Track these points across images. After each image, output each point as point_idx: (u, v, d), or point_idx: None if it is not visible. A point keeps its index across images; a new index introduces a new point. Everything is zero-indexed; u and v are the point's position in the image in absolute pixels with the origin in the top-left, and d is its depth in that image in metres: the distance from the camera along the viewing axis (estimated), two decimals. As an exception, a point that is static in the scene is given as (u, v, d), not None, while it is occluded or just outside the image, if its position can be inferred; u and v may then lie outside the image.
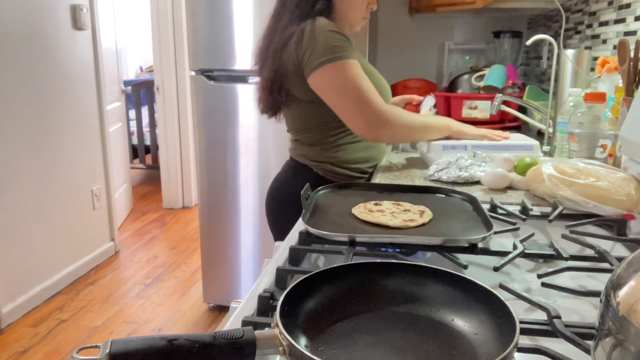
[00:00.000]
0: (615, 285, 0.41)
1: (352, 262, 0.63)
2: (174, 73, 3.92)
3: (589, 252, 0.78)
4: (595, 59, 1.55)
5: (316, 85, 1.24)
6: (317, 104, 1.29)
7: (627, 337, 0.38)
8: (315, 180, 1.30)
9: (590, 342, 0.48)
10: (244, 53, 2.27)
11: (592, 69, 1.55)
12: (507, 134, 1.43)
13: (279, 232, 1.10)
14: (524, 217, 0.93)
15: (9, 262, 2.43)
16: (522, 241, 0.79)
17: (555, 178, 1.01)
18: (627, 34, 1.44)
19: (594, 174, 0.99)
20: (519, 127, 2.09)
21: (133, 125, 4.90)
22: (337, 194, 1.02)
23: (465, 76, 2.35)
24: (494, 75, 2.18)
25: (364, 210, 0.88)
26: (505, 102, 1.82)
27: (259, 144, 2.38)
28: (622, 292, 0.40)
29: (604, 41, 1.62)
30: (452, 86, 2.40)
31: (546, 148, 1.59)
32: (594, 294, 0.65)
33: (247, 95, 2.33)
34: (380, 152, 1.46)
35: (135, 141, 4.95)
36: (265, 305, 0.60)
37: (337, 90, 1.23)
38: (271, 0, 1.34)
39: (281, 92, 1.30)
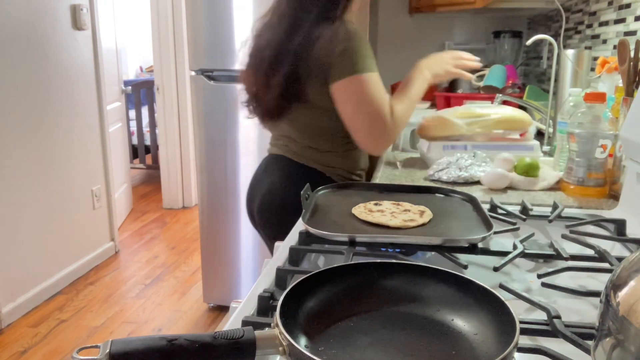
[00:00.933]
0: (615, 285, 0.41)
1: (352, 262, 0.63)
2: (174, 73, 3.92)
3: (589, 252, 0.78)
4: (595, 59, 1.55)
5: (337, 94, 1.20)
6: (329, 111, 1.23)
7: (627, 337, 0.38)
8: (326, 183, 1.27)
9: (590, 342, 0.48)
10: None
11: (592, 69, 1.55)
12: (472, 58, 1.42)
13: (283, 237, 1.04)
14: (524, 217, 0.93)
15: (8, 262, 2.43)
16: (522, 241, 0.79)
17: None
18: (627, 34, 1.44)
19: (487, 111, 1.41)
20: (519, 127, 2.09)
21: (133, 125, 4.90)
22: (337, 194, 1.02)
23: (465, 76, 2.34)
24: (494, 75, 2.18)
25: (364, 210, 0.88)
26: (505, 102, 1.82)
27: (259, 144, 2.38)
28: (622, 292, 0.40)
29: (604, 41, 1.62)
30: (452, 86, 2.40)
31: (546, 148, 1.59)
32: (594, 294, 0.65)
33: (247, 95, 2.32)
34: None
35: (135, 141, 4.95)
36: (265, 305, 0.60)
37: (355, 104, 1.19)
38: (272, 1, 1.34)
39: (298, 96, 1.23)
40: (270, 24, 1.28)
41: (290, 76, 1.21)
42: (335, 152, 1.32)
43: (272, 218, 1.35)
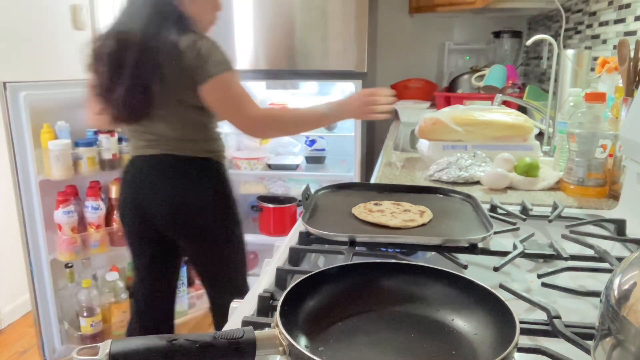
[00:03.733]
0: (615, 285, 0.41)
1: (352, 262, 0.63)
2: (174, 73, 3.91)
3: (589, 252, 0.78)
4: (595, 59, 1.55)
5: (206, 93, 1.38)
6: (200, 107, 1.39)
7: (627, 337, 0.38)
8: (219, 168, 1.46)
9: (590, 342, 0.48)
10: (244, 53, 2.26)
11: (592, 69, 1.55)
12: (386, 91, 1.48)
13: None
14: (524, 217, 0.93)
15: (9, 262, 2.43)
16: (522, 241, 0.79)
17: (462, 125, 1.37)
18: (627, 34, 1.44)
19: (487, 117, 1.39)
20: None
21: (133, 125, 4.89)
22: (337, 194, 1.02)
23: (465, 76, 2.35)
24: (494, 75, 2.18)
25: (364, 210, 0.88)
26: (505, 102, 1.82)
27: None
28: (622, 292, 0.40)
29: (604, 41, 1.62)
30: (452, 86, 2.40)
31: (546, 148, 1.59)
32: (594, 294, 0.65)
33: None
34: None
35: (135, 141, 4.94)
36: (265, 305, 0.60)
37: (221, 100, 1.43)
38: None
39: (170, 98, 1.36)
40: (123, 23, 1.40)
41: (161, 80, 1.29)
42: (211, 139, 1.42)
43: (191, 217, 1.41)
